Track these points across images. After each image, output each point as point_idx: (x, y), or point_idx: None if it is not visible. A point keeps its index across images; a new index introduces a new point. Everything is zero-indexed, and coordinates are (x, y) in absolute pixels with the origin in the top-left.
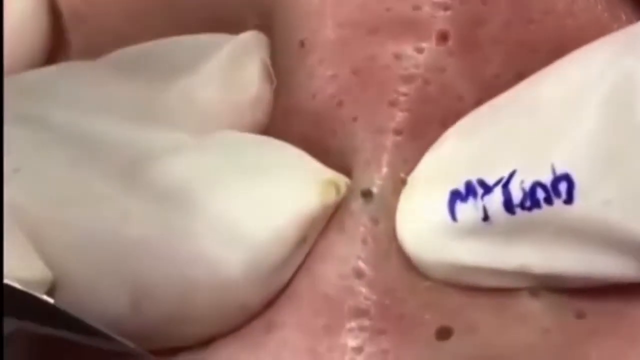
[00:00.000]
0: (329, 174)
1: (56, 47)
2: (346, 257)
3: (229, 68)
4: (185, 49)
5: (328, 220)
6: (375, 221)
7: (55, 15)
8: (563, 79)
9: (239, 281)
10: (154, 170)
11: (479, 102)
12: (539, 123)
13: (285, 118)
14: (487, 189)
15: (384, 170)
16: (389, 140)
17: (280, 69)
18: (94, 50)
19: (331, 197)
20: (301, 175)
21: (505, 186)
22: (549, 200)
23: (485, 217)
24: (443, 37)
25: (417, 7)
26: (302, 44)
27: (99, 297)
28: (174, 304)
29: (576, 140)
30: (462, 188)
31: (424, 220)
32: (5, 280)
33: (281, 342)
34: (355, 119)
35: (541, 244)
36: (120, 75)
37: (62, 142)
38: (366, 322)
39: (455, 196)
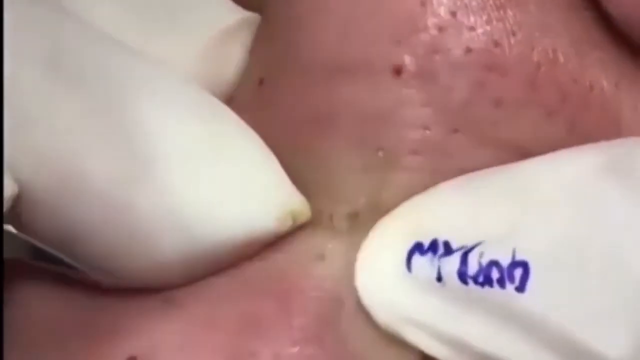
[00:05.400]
0: (294, 202)
1: None
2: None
3: (218, 44)
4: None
5: None
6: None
7: None
8: (556, 171)
9: (164, 261)
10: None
11: (449, 132)
12: (521, 203)
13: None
14: (448, 251)
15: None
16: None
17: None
18: None
19: (286, 227)
20: (267, 194)
21: (465, 255)
22: (501, 283)
23: (439, 278)
24: (397, 71)
25: (371, 43)
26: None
27: None
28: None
29: (547, 234)
30: (426, 243)
31: (380, 262)
32: None
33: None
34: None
35: (486, 323)
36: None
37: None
38: None
39: (416, 248)
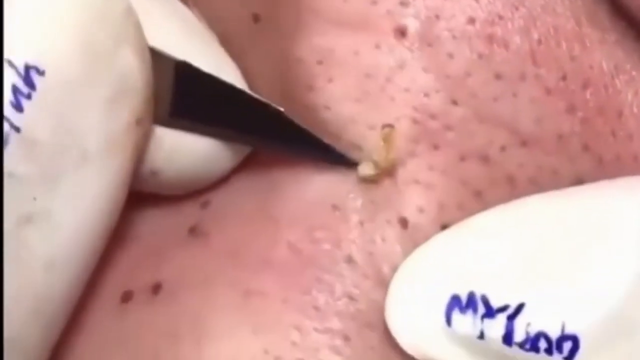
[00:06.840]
0: None
1: None
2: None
3: None
4: None
5: None
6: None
7: None
8: (595, 204)
9: None
10: None
11: (449, 102)
12: (561, 250)
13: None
14: (490, 312)
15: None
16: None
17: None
18: None
19: None
20: None
21: (510, 319)
22: (549, 351)
23: (481, 336)
24: (401, 32)
25: (374, 2)
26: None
27: None
28: None
29: (594, 304)
30: (463, 297)
31: (418, 314)
32: None
33: None
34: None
35: None
36: None
37: None
38: None
39: (455, 302)
